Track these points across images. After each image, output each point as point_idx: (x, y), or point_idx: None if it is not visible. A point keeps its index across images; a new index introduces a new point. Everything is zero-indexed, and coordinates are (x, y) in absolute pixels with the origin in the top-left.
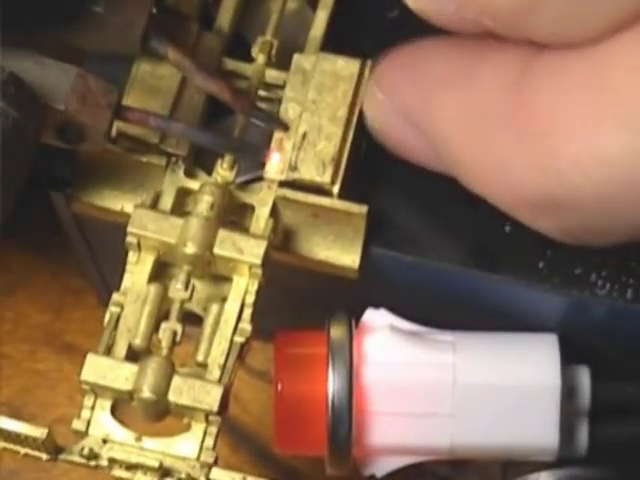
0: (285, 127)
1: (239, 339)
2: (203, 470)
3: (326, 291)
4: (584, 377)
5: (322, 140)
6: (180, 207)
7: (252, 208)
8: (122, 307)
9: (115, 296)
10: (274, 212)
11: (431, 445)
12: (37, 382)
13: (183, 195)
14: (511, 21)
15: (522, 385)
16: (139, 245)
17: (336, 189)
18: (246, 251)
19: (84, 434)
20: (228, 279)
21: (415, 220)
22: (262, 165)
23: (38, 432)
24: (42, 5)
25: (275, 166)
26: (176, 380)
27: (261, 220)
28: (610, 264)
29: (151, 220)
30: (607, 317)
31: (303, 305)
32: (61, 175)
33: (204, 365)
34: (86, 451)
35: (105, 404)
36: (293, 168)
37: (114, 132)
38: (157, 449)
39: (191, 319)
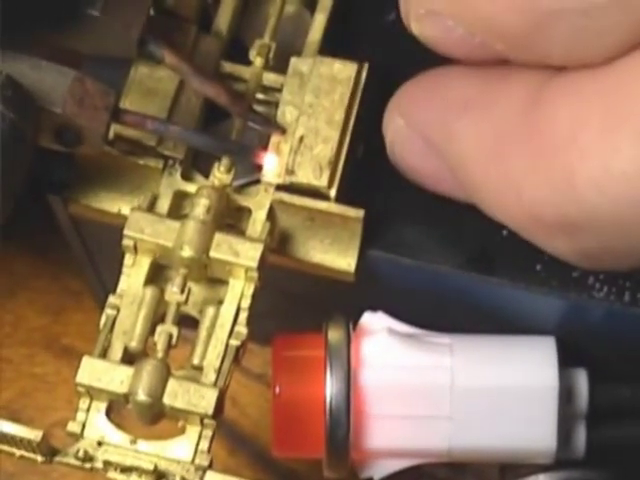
0: (282, 130)
1: (235, 342)
2: (198, 473)
3: (323, 294)
4: (582, 380)
5: (319, 143)
6: (177, 210)
7: (249, 211)
8: (118, 310)
9: (111, 299)
10: (271, 215)
11: (429, 448)
12: (36, 385)
13: (180, 198)
14: (523, 41)
15: (520, 387)
16: (135, 248)
17: (333, 192)
18: (242, 254)
19: (79, 436)
20: (224, 282)
21: (412, 223)
22: (259, 168)
23: (33, 434)
24: (39, 8)
25: (272, 170)
26: (171, 383)
27: (258, 223)
28: None
29: (148, 223)
30: (604, 320)
31: (300, 308)
32: (58, 178)
33: (200, 368)
34: (81, 453)
35: (100, 407)
36: (290, 172)
37: (111, 135)
38: (152, 452)
39: (187, 322)
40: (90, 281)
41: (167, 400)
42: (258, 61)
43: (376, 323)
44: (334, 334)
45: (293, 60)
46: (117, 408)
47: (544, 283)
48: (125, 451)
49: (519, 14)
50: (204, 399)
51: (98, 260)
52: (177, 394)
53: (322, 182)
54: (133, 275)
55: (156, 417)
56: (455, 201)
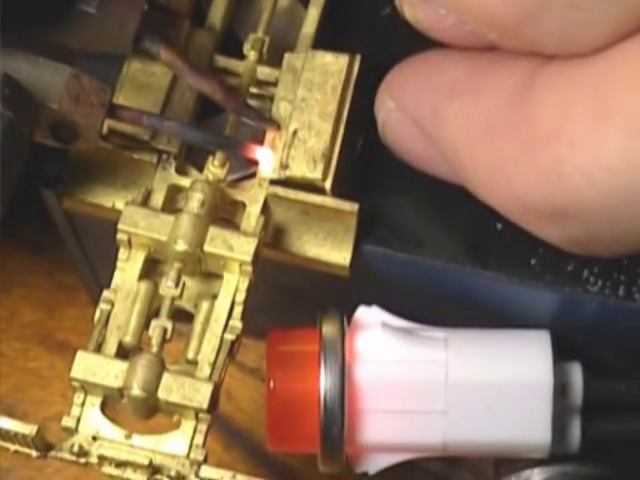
0: (277, 126)
1: (229, 337)
2: (193, 468)
3: (318, 288)
4: (576, 374)
5: (312, 137)
6: (171, 204)
7: (243, 205)
8: (112, 304)
9: (105, 293)
10: (265, 209)
11: (424, 442)
12: (30, 380)
13: (174, 192)
14: (513, 30)
15: (514, 382)
16: (130, 242)
17: (328, 185)
18: (237, 248)
19: (74, 431)
20: (219, 276)
21: (407, 217)
22: (253, 163)
23: (28, 429)
24: (35, 5)
25: (267, 164)
26: (166, 377)
27: (252, 217)
28: (602, 261)
29: (142, 217)
30: (599, 314)
31: (295, 302)
32: (52, 172)
33: (194, 362)
34: (76, 448)
35: (95, 401)
36: (284, 166)
37: (105, 129)
38: (147, 446)
39: (182, 316)
40: (84, 276)
41: (162, 394)
42: (252, 55)
43: (370, 317)
44: (328, 328)
45: (287, 56)
46: (112, 403)
47: (539, 277)
48: (120, 446)
49: (509, 4)
50: (199, 393)
51: (92, 255)
52: (172, 388)
53: (316, 174)
54: (127, 269)
55: (151, 411)
56: (451, 196)
